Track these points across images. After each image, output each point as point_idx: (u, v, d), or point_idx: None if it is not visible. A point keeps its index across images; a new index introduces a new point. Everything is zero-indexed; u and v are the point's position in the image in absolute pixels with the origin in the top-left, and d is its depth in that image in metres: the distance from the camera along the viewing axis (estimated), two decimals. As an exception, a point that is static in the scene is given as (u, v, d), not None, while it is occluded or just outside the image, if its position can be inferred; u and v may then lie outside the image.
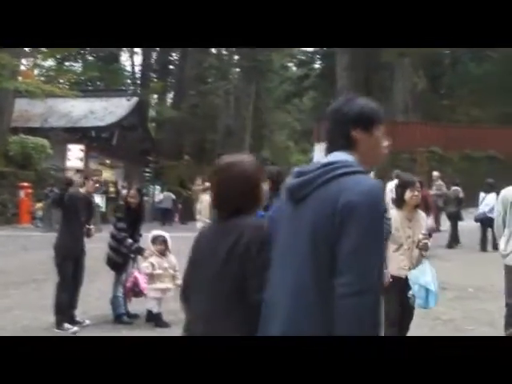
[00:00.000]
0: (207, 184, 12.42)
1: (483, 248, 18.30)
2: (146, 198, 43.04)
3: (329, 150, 2.94)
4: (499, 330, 7.52)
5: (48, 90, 32.50)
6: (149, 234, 9.65)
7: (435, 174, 22.07)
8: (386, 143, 2.99)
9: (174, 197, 39.48)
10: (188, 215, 38.19)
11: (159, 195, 41.17)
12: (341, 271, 2.55)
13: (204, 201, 11.81)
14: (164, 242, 9.23)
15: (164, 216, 37.32)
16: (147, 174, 43.36)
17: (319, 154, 33.20)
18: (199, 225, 11.67)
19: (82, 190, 9.17)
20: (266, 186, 3.37)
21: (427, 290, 6.44)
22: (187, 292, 3.38)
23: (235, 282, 3.05)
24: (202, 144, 61.14)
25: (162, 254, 9.16)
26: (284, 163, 54.79)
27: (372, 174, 16.88)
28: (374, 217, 2.62)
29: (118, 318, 9.20)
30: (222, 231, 3.18)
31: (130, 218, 9.33)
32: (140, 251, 9.34)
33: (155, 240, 9.26)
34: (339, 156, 2.83)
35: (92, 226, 9.42)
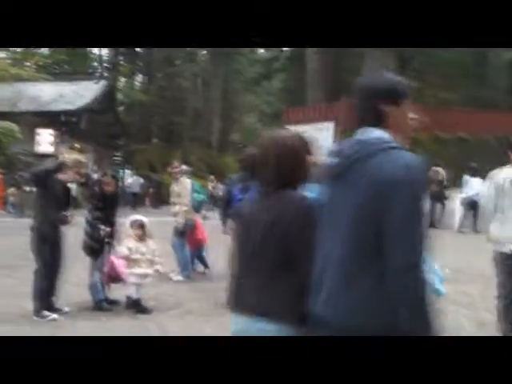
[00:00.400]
0: (184, 167, 12.29)
1: (461, 229, 18.56)
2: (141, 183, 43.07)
3: (360, 127, 2.96)
4: (479, 312, 7.57)
5: (15, 73, 32.08)
6: (125, 218, 9.56)
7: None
8: (412, 117, 3.05)
9: (142, 181, 39.27)
10: (159, 199, 38.12)
11: (129, 179, 40.90)
12: (388, 247, 2.64)
13: (184, 183, 11.67)
14: (141, 226, 9.14)
15: (134, 200, 37.03)
16: (117, 158, 43.03)
17: (290, 136, 33.11)
18: (177, 208, 11.53)
19: (61, 177, 8.98)
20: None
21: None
22: (234, 265, 3.45)
23: (283, 253, 3.12)
24: (171, 127, 60.81)
25: (141, 238, 9.07)
26: (253, 146, 54.63)
27: None
28: (417, 191, 2.68)
29: (98, 305, 9.10)
30: (268, 204, 3.23)
31: (106, 205, 9.24)
32: (113, 236, 9.31)
33: (133, 224, 9.17)
34: (374, 132, 2.89)
35: (69, 213, 9.26)
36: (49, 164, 9.05)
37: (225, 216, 9.73)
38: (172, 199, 11.75)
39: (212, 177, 40.88)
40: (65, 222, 9.07)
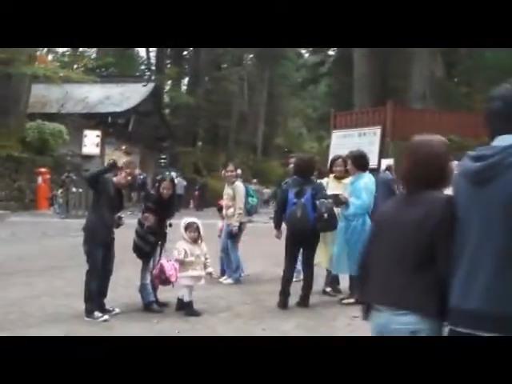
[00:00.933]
0: (239, 171, 12.28)
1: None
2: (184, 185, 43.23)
3: (497, 134, 3.08)
4: None
5: (65, 75, 32.38)
6: (179, 220, 9.50)
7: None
8: None
9: (185, 183, 39.36)
10: (204, 202, 38.20)
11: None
12: None
13: (239, 187, 11.64)
14: (197, 228, 9.08)
15: (178, 202, 36.96)
16: (162, 161, 43.21)
17: (336, 141, 33.01)
18: (231, 211, 11.48)
19: (114, 180, 8.96)
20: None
21: None
22: (369, 262, 3.64)
23: (423, 252, 3.28)
24: (216, 130, 61.02)
25: (195, 241, 9.01)
26: (297, 150, 54.52)
27: (391, 161, 16.37)
28: None
29: (148, 306, 9.06)
30: (411, 203, 3.43)
31: (160, 208, 9.20)
32: (164, 238, 9.33)
33: (188, 227, 9.07)
34: None
35: (122, 216, 9.25)
36: (102, 165, 9.06)
37: (279, 220, 9.60)
38: (225, 202, 11.66)
39: (255, 180, 40.91)
40: (117, 223, 9.07)
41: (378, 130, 31.20)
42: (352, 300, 9.20)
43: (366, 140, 31.21)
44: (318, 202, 8.89)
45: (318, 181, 9.99)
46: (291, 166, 11.36)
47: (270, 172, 58.13)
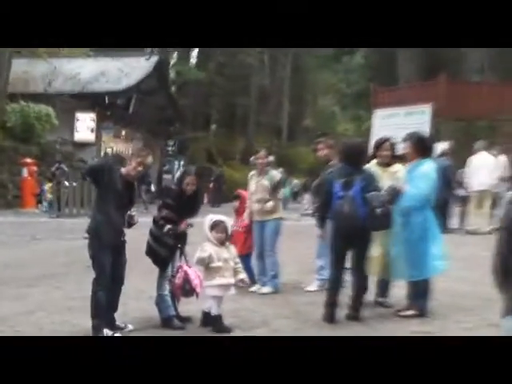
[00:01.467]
0: (271, 158, 12.16)
1: None
2: (167, 177, 43.13)
3: None
4: None
5: (51, 48, 32.37)
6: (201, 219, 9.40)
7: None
8: None
9: (194, 174, 39.24)
10: (221, 196, 38.01)
11: (178, 173, 40.73)
12: None
13: (276, 176, 11.58)
14: (225, 229, 8.96)
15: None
16: (170, 148, 43.30)
17: (378, 121, 32.82)
18: (270, 205, 11.38)
19: (123, 171, 8.84)
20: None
21: None
22: (506, 265, 3.67)
23: None
24: (232, 110, 60.94)
25: (222, 243, 8.90)
26: (331, 133, 54.38)
27: (447, 145, 16.38)
28: None
29: (167, 322, 8.96)
30: None
31: (182, 205, 9.13)
32: (185, 240, 9.26)
33: (215, 226, 8.97)
34: None
35: (134, 213, 9.14)
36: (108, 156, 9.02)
37: (323, 217, 9.50)
38: (257, 196, 11.53)
39: (280, 169, 40.75)
40: (129, 223, 8.96)
41: (427, 108, 31.09)
42: (411, 312, 9.17)
43: (414, 120, 31.11)
44: (368, 195, 8.71)
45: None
46: (320, 152, 11.44)
47: (297, 159, 57.90)
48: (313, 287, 11.29)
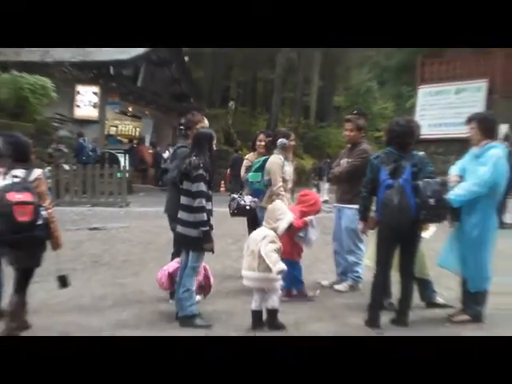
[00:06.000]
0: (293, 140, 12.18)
1: None
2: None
3: None
4: None
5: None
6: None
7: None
8: None
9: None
10: (240, 183, 37.91)
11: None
12: None
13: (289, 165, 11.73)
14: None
15: None
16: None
17: (425, 99, 32.73)
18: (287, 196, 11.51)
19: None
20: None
21: None
22: None
23: None
24: (254, 85, 60.90)
25: None
26: (368, 112, 54.28)
27: (507, 127, 16.08)
28: None
29: (190, 320, 9.11)
30: None
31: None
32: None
33: (289, 228, 9.23)
34: None
35: None
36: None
37: (366, 208, 9.43)
38: (290, 185, 11.67)
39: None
40: None
41: (483, 84, 30.97)
42: (466, 317, 9.24)
43: (467, 97, 31.02)
44: (420, 183, 8.57)
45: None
46: (348, 133, 11.53)
47: (328, 142, 57.86)
48: (343, 287, 11.44)
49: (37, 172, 8.58)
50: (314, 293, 10.95)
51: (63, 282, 9.04)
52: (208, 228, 9.08)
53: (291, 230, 9.53)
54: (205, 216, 9.04)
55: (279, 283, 8.90)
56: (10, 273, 8.59)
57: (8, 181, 8.29)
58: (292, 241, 10.18)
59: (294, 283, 10.59)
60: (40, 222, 8.27)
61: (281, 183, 11.46)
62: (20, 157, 8.56)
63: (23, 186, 8.26)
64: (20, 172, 8.37)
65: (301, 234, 10.12)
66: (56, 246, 8.63)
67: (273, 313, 8.89)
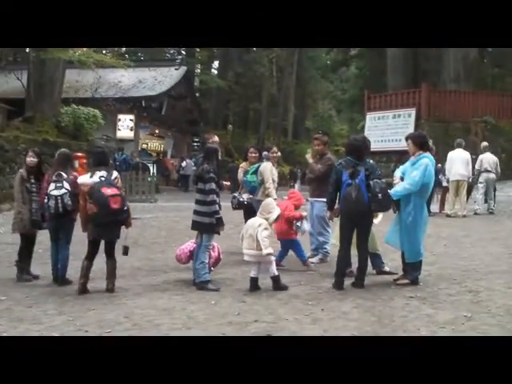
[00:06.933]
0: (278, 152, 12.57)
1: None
2: (193, 168, 43.12)
3: None
4: None
5: (98, 60, 32.27)
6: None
7: (484, 144, 21.37)
8: None
9: (193, 165, 38.53)
10: (236, 186, 37.83)
11: (183, 163, 38.59)
12: None
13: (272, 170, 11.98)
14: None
15: (187, 183, 35.67)
16: (195, 144, 43.23)
17: (371, 122, 33.03)
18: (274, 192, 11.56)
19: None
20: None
21: None
22: None
23: None
24: (247, 113, 60.99)
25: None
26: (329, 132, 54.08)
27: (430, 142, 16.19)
28: None
29: (205, 284, 9.12)
30: None
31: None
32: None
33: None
34: None
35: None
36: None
37: (332, 201, 9.55)
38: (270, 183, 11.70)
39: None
40: None
41: (412, 112, 31.26)
42: (406, 281, 9.24)
43: (401, 121, 31.37)
44: (371, 183, 8.90)
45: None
46: (317, 147, 11.58)
47: (299, 154, 57.93)
48: (315, 259, 11.34)
49: (115, 173, 9.29)
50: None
51: (126, 250, 9.45)
52: (221, 215, 9.29)
53: (290, 219, 10.28)
54: (217, 207, 9.27)
55: (272, 257, 9.07)
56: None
57: (96, 179, 8.79)
58: (290, 225, 10.40)
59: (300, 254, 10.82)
60: (125, 208, 8.92)
61: (271, 180, 11.72)
62: (103, 162, 9.25)
63: (109, 182, 8.85)
64: (104, 173, 8.92)
65: (298, 224, 10.36)
66: (128, 225, 9.24)
67: (275, 278, 9.07)
